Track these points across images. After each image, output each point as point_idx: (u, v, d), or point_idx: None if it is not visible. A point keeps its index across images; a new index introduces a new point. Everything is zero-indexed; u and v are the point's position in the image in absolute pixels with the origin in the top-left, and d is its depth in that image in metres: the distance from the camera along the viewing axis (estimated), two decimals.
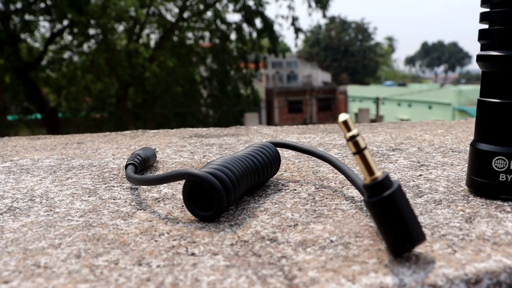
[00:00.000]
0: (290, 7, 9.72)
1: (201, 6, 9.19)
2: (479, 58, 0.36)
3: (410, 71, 47.87)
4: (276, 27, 9.54)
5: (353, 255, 0.27)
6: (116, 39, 7.96)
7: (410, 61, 48.13)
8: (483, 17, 0.36)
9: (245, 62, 9.62)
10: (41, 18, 7.60)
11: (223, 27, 9.36)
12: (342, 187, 0.42)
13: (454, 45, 43.46)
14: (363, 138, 0.26)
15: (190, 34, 9.43)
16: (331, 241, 0.29)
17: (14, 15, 7.15)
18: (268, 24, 9.27)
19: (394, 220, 0.25)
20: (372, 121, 11.83)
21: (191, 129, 0.84)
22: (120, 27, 8.64)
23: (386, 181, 0.26)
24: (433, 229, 0.31)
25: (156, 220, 0.34)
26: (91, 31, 8.03)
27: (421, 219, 0.33)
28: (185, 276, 0.25)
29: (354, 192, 0.40)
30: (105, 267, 0.27)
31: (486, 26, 0.36)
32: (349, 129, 0.25)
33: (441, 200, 0.37)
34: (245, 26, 9.42)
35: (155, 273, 0.26)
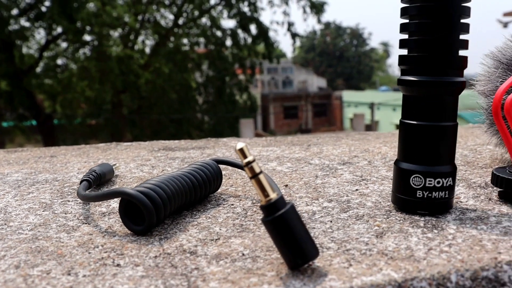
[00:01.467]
0: (285, 13, 9.78)
1: (196, 13, 9.24)
2: (399, 82, 0.39)
3: None
4: (271, 33, 9.59)
5: (257, 267, 0.30)
6: (110, 46, 7.98)
7: None
8: (401, 44, 0.39)
9: (242, 68, 9.67)
10: (36, 24, 7.63)
11: (219, 33, 9.41)
12: None
13: None
14: (257, 164, 0.29)
15: (185, 41, 9.47)
16: (243, 254, 0.32)
17: (11, 20, 7.18)
18: (263, 30, 9.33)
19: (286, 238, 0.28)
20: (367, 126, 11.87)
21: (162, 141, 0.87)
22: (115, 34, 8.68)
23: (279, 202, 0.28)
24: (342, 244, 0.33)
25: (96, 233, 0.37)
26: (87, 38, 8.07)
27: (335, 234, 0.35)
28: (103, 285, 0.28)
29: None
30: (37, 276, 0.30)
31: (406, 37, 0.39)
32: (245, 156, 0.28)
33: (363, 216, 0.40)
34: (240, 32, 9.47)
35: (78, 282, 0.29)
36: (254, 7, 9.45)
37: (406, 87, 0.38)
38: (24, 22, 7.40)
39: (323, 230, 0.37)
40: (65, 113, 8.51)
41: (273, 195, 0.29)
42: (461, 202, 0.43)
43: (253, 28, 9.42)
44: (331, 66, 26.52)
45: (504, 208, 0.41)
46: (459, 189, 0.48)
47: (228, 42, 9.60)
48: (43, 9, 7.42)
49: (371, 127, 11.81)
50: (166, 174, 0.41)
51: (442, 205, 0.39)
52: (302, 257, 0.28)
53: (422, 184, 0.38)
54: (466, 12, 0.37)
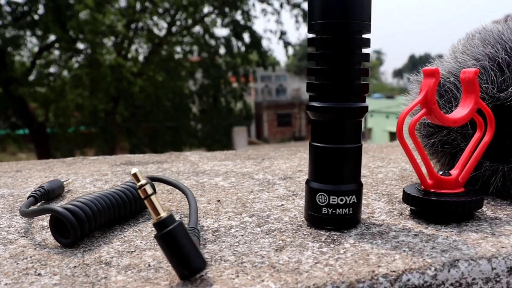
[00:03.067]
0: (278, 22, 9.83)
1: (190, 21, 9.29)
2: (307, 107, 0.43)
3: (398, 84, 48.15)
4: (264, 42, 9.65)
5: (155, 277, 0.34)
6: (103, 54, 8.02)
7: (397, 73, 48.47)
8: (308, 72, 0.43)
9: (236, 76, 9.71)
10: (28, 33, 7.66)
11: (212, 41, 9.45)
12: (200, 217, 0.49)
13: (440, 57, 43.72)
14: (150, 186, 0.33)
15: (178, 49, 9.52)
16: (149, 265, 0.36)
17: (3, 29, 7.21)
18: (256, 39, 9.38)
19: (174, 252, 0.32)
20: None
21: (128, 155, 0.90)
22: (109, 43, 8.72)
23: (168, 220, 0.32)
24: (240, 257, 0.37)
25: (29, 246, 0.41)
26: (80, 46, 8.11)
27: (239, 248, 0.39)
28: None
29: (203, 223, 0.47)
30: None
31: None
32: (138, 180, 0.32)
33: (274, 230, 0.44)
34: (233, 40, 9.52)
35: None
36: (247, 16, 9.50)
37: (313, 112, 0.42)
38: (16, 31, 7.43)
39: (230, 244, 0.40)
40: (58, 121, 8.52)
41: (163, 214, 0.33)
42: (372, 217, 0.47)
43: (246, 37, 9.47)
44: None
45: (409, 223, 0.45)
46: (378, 204, 0.52)
47: (222, 50, 9.65)
48: (36, 17, 7.45)
49: (364, 134, 11.87)
50: (97, 192, 0.45)
51: (347, 220, 0.43)
52: (189, 269, 0.32)
53: (327, 202, 0.42)
54: (366, 43, 0.41)
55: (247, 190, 0.59)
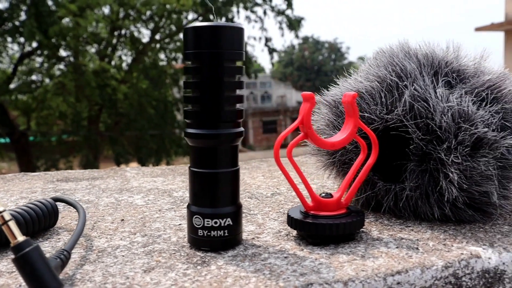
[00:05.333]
0: (262, 28, 9.87)
1: (173, 28, 9.30)
2: (184, 134, 0.44)
3: None
4: (248, 48, 9.66)
5: None
6: (87, 60, 8.01)
7: None
8: (184, 99, 0.44)
9: None
10: (9, 39, 7.64)
11: None
12: (94, 236, 0.50)
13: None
14: (8, 213, 0.34)
15: (162, 56, 9.52)
16: (20, 285, 0.37)
17: None
18: None
19: (29, 274, 0.34)
20: None
21: (68, 171, 0.91)
22: (92, 50, 8.71)
23: (24, 244, 0.34)
24: (108, 277, 0.39)
25: None
26: (63, 53, 8.09)
27: (111, 268, 0.41)
28: None
29: (96, 242, 0.48)
30: None
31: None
32: None
33: (155, 251, 0.45)
34: None
35: None
36: (231, 23, 9.52)
37: (188, 138, 0.44)
38: None
39: (106, 264, 0.42)
40: (40, 130, 8.48)
41: (20, 238, 0.34)
42: (258, 237, 0.48)
43: None
44: (309, 80, 26.72)
45: (289, 245, 0.46)
46: (272, 224, 0.53)
47: None
48: (17, 23, 7.42)
49: None
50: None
51: (223, 242, 0.44)
52: None
53: (202, 224, 0.44)
54: (238, 71, 0.43)
55: (157, 208, 0.60)
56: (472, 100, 0.51)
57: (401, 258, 0.42)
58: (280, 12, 9.68)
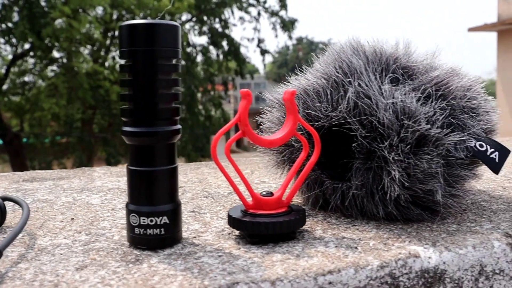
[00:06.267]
0: (255, 29, 9.88)
1: None
2: (121, 133, 0.44)
3: None
4: (242, 49, 9.66)
5: None
6: (80, 62, 8.00)
7: None
8: (120, 97, 0.44)
9: (212, 84, 9.71)
10: (2, 40, 7.62)
11: (189, 49, 9.45)
12: (39, 235, 0.50)
13: None
14: None
15: None
16: None
17: None
18: (234, 47, 9.40)
19: None
20: None
21: (37, 171, 0.91)
22: (85, 51, 8.69)
23: None
24: (38, 275, 0.39)
25: None
26: (56, 54, 8.08)
27: (49, 267, 0.41)
28: None
29: (39, 241, 0.48)
30: None
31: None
32: None
33: (94, 249, 0.45)
34: (212, 48, 9.54)
35: None
36: (225, 24, 9.53)
37: (124, 136, 0.44)
38: None
39: (41, 262, 0.42)
40: (33, 131, 8.46)
41: None
42: (200, 236, 0.48)
43: (224, 44, 9.49)
44: None
45: (227, 244, 0.46)
46: (218, 223, 0.53)
47: (199, 58, 9.66)
48: (10, 24, 7.40)
49: None
50: None
51: (159, 241, 0.44)
52: None
53: (138, 222, 0.44)
54: (173, 69, 0.43)
55: (110, 208, 0.60)
56: (419, 96, 0.50)
57: (336, 257, 0.42)
58: (274, 13, 9.69)
